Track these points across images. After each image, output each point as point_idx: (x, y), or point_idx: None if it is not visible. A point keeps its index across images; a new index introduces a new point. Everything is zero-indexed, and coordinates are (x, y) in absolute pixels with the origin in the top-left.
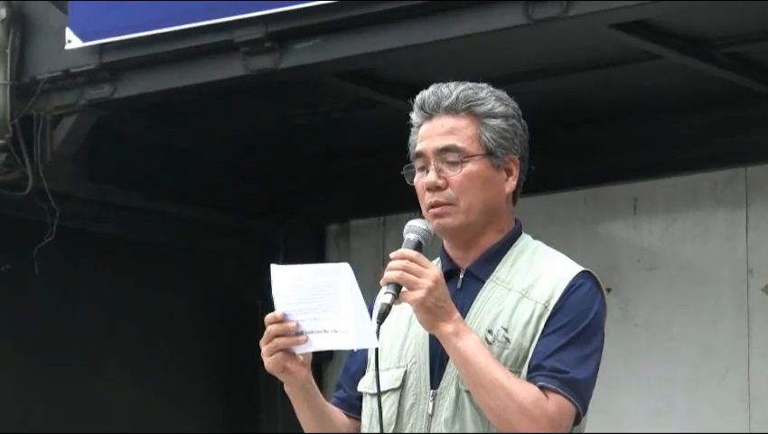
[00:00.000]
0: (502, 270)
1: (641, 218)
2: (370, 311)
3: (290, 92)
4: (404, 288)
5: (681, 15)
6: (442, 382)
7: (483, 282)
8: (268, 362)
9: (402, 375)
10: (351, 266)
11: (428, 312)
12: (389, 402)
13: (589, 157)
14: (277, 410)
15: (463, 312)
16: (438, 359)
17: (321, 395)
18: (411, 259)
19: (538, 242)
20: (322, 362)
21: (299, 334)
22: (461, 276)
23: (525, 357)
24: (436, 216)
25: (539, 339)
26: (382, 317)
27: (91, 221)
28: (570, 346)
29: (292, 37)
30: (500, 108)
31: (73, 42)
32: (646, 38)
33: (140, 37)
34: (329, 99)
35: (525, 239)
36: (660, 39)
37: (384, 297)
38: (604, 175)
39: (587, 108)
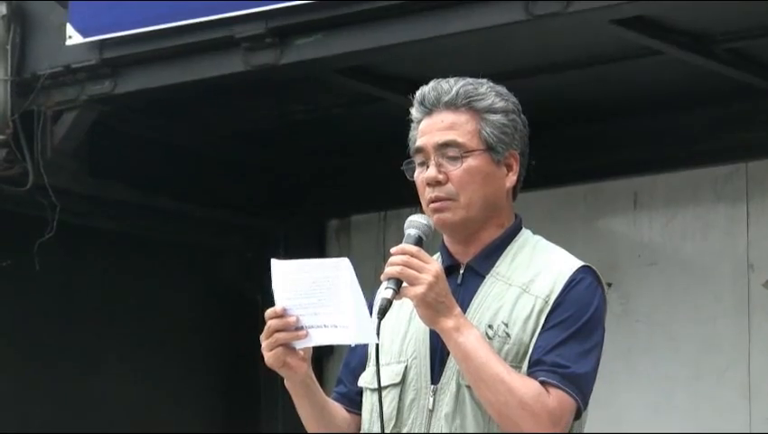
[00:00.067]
0: (503, 265)
1: (642, 213)
2: (371, 306)
3: (290, 88)
4: (404, 284)
5: (681, 11)
6: (442, 377)
7: (484, 277)
8: (268, 357)
9: (402, 370)
10: (352, 261)
11: (429, 307)
12: (390, 398)
13: (589, 153)
14: (278, 406)
15: (464, 307)
16: (439, 354)
17: (321, 390)
18: (412, 255)
19: (538, 237)
20: (322, 357)
21: (299, 328)
22: (461, 271)
23: (525, 352)
24: (436, 211)
25: (540, 334)
26: (383, 313)
27: (92, 216)
28: (571, 341)
29: (292, 33)
30: (500, 104)
31: (74, 37)
32: (646, 34)
33: (141, 33)
34: (329, 95)
35: (525, 234)
36: (661, 35)
37: (384, 292)
38: (605, 171)
39: (587, 103)
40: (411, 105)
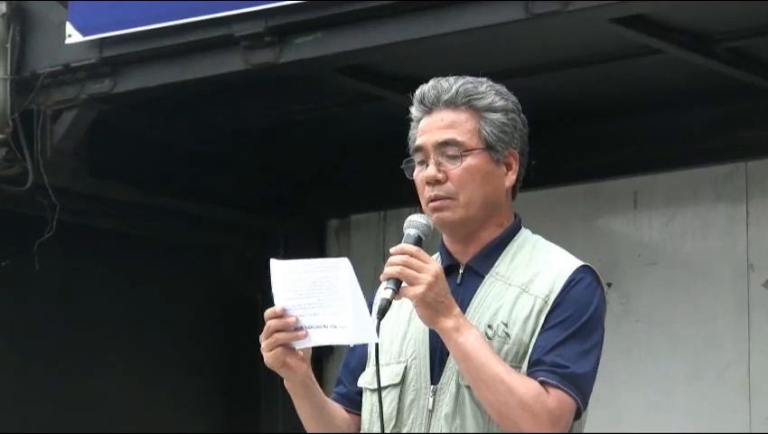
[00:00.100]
0: (502, 265)
1: (642, 213)
2: (370, 306)
3: (290, 87)
4: (404, 284)
5: (681, 10)
6: (442, 377)
7: (483, 277)
8: (268, 357)
9: (402, 371)
10: (352, 261)
11: (428, 307)
12: (390, 398)
13: (589, 152)
14: (278, 406)
15: (463, 307)
16: (438, 354)
17: (320, 391)
18: (411, 255)
19: (537, 237)
20: (322, 357)
21: (298, 329)
22: (460, 271)
23: (525, 352)
24: (436, 210)
25: (539, 334)
26: (382, 313)
27: (92, 216)
28: (570, 341)
29: (292, 32)
30: (499, 103)
31: (73, 36)
32: (646, 33)
33: (140, 32)
34: (329, 94)
35: (525, 233)
36: (660, 34)
37: (384, 292)
38: (604, 170)
39: (587, 102)
40: (411, 104)
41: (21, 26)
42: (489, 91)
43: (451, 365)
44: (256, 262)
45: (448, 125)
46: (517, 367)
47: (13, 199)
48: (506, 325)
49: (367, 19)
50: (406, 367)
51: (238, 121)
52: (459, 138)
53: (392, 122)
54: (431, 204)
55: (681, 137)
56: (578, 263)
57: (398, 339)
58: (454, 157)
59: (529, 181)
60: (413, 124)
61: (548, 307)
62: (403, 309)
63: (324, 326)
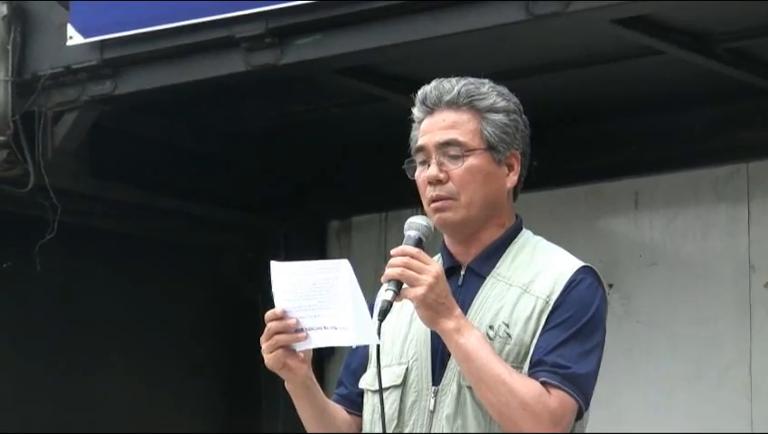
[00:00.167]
0: (503, 266)
1: (643, 213)
2: (371, 308)
3: (291, 88)
4: (405, 285)
5: (682, 11)
6: (443, 378)
7: (484, 278)
8: (268, 359)
9: (404, 372)
10: (353, 262)
11: (429, 308)
12: (391, 399)
13: (590, 153)
14: (279, 406)
15: (465, 308)
16: (440, 356)
17: (321, 392)
18: (412, 256)
19: (538, 238)
20: (323, 358)
21: (299, 330)
22: (462, 272)
23: (526, 353)
24: (437, 210)
25: (541, 334)
26: (383, 314)
27: (93, 217)
28: (571, 341)
29: (292, 33)
30: (501, 103)
31: (74, 38)
32: (646, 33)
33: (141, 33)
34: (329, 95)
35: (526, 234)
36: (661, 34)
37: (385, 293)
38: (605, 171)
39: (588, 103)
40: (412, 105)
41: (22, 28)
42: (491, 92)
43: (452, 366)
44: (256, 263)
45: (450, 125)
46: (518, 368)
47: (14, 200)
48: (507, 325)
49: (367, 20)
50: (407, 368)
51: (239, 122)
52: (461, 138)
53: (393, 123)
54: (432, 205)
55: (682, 138)
56: (579, 264)
57: (400, 340)
58: (455, 157)
59: (529, 182)
60: (414, 125)
61: (550, 308)
62: (404, 311)
63: (325, 328)
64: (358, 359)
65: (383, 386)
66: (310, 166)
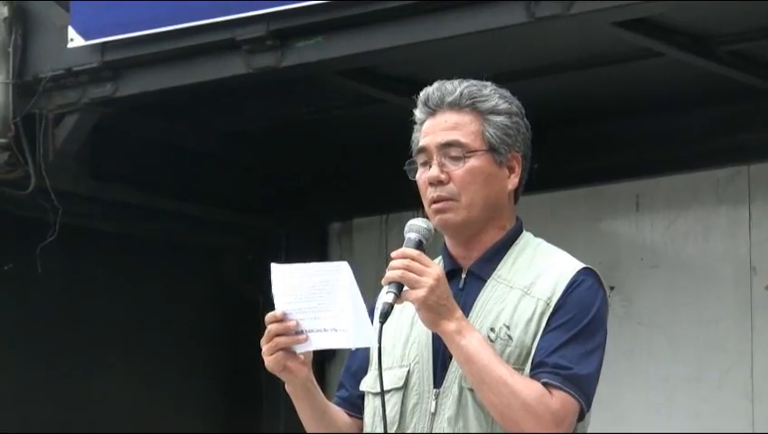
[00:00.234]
0: (504, 268)
1: (644, 215)
2: (372, 310)
3: (291, 89)
4: (406, 287)
5: (683, 13)
6: (445, 380)
7: (485, 281)
8: (269, 361)
9: (405, 375)
10: (354, 264)
11: (430, 310)
12: (392, 402)
13: (591, 155)
14: (280, 407)
15: (466, 311)
16: (441, 358)
17: (322, 394)
18: (412, 258)
19: (539, 240)
20: (325, 360)
21: (299, 333)
22: (463, 276)
23: (528, 354)
24: (438, 211)
25: (542, 336)
26: (384, 317)
27: (94, 218)
28: (573, 343)
29: (294, 35)
30: (503, 105)
31: (75, 40)
32: (647, 35)
33: (142, 35)
34: (330, 97)
35: (526, 236)
36: (662, 36)
37: (386, 296)
38: (607, 173)
39: (589, 105)
40: (413, 107)
41: (23, 30)
42: (493, 94)
43: (453, 369)
44: (257, 264)
45: (452, 126)
46: (519, 369)
47: (15, 202)
48: (508, 327)
49: (368, 23)
50: (408, 371)
51: (240, 123)
52: (462, 140)
53: (394, 125)
54: (434, 206)
55: (682, 140)
56: (580, 265)
57: (401, 343)
58: (456, 159)
59: (530, 183)
60: (416, 126)
61: (551, 310)
62: (405, 313)
63: (325, 330)
64: (358, 361)
65: (384, 389)
66: (311, 168)
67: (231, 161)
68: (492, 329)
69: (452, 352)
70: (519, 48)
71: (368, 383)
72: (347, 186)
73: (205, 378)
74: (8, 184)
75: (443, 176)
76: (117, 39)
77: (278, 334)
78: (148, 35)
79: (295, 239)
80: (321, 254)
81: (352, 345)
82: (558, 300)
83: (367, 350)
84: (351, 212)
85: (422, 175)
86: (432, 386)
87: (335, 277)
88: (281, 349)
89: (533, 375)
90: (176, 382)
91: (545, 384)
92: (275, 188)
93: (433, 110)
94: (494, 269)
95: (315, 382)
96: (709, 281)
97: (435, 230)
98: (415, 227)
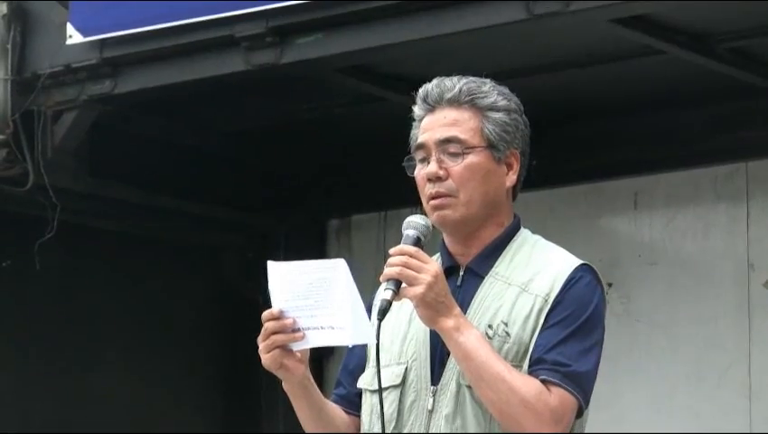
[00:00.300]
0: (502, 265)
1: (642, 213)
2: (370, 307)
3: (291, 87)
4: (404, 284)
5: (682, 10)
6: (442, 378)
7: (483, 278)
8: (266, 359)
9: (403, 372)
10: (352, 261)
11: (428, 307)
12: (390, 399)
13: (590, 152)
14: (279, 406)
15: (464, 308)
16: (439, 355)
17: (319, 392)
18: (410, 255)
19: (537, 237)
20: (322, 358)
21: (296, 330)
22: (461, 273)
23: (526, 351)
24: (437, 208)
25: (540, 333)
26: (383, 313)
27: (92, 216)
28: (571, 339)
29: (293, 32)
30: (502, 102)
31: (74, 37)
32: (647, 33)
33: (141, 32)
34: (330, 94)
35: (524, 233)
36: (661, 34)
37: (384, 293)
38: (605, 170)
39: (588, 103)
40: (412, 104)
41: (22, 27)
42: (492, 91)
43: (451, 366)
44: (256, 262)
45: (451, 122)
46: (518, 366)
47: (13, 199)
48: (506, 324)
49: (368, 19)
50: (406, 368)
51: (240, 121)
52: (461, 136)
53: (393, 122)
54: (432, 202)
55: (682, 137)
56: (578, 262)
57: (399, 340)
58: (455, 155)
59: (529, 181)
60: (415, 123)
61: (549, 306)
62: (403, 310)
63: (322, 328)
64: (356, 359)
65: (382, 386)
66: (310, 165)
67: (231, 159)
68: (490, 326)
69: (450, 349)
70: (518, 45)
71: (365, 381)
72: (346, 184)
73: (204, 376)
74: (6, 181)
75: (441, 172)
76: (115, 36)
77: (275, 332)
78: (147, 32)
79: (295, 237)
80: (319, 251)
81: (350, 343)
82: (556, 297)
83: (364, 347)
84: (350, 209)
85: (420, 172)
86: (429, 383)
87: (332, 274)
88: (278, 347)
89: (531, 372)
90: (175, 380)
91: (543, 381)
92: (274, 186)
93: (432, 107)
94: (492, 266)
95: (312, 380)
96: (708, 279)
97: (434, 226)
98: (413, 224)
